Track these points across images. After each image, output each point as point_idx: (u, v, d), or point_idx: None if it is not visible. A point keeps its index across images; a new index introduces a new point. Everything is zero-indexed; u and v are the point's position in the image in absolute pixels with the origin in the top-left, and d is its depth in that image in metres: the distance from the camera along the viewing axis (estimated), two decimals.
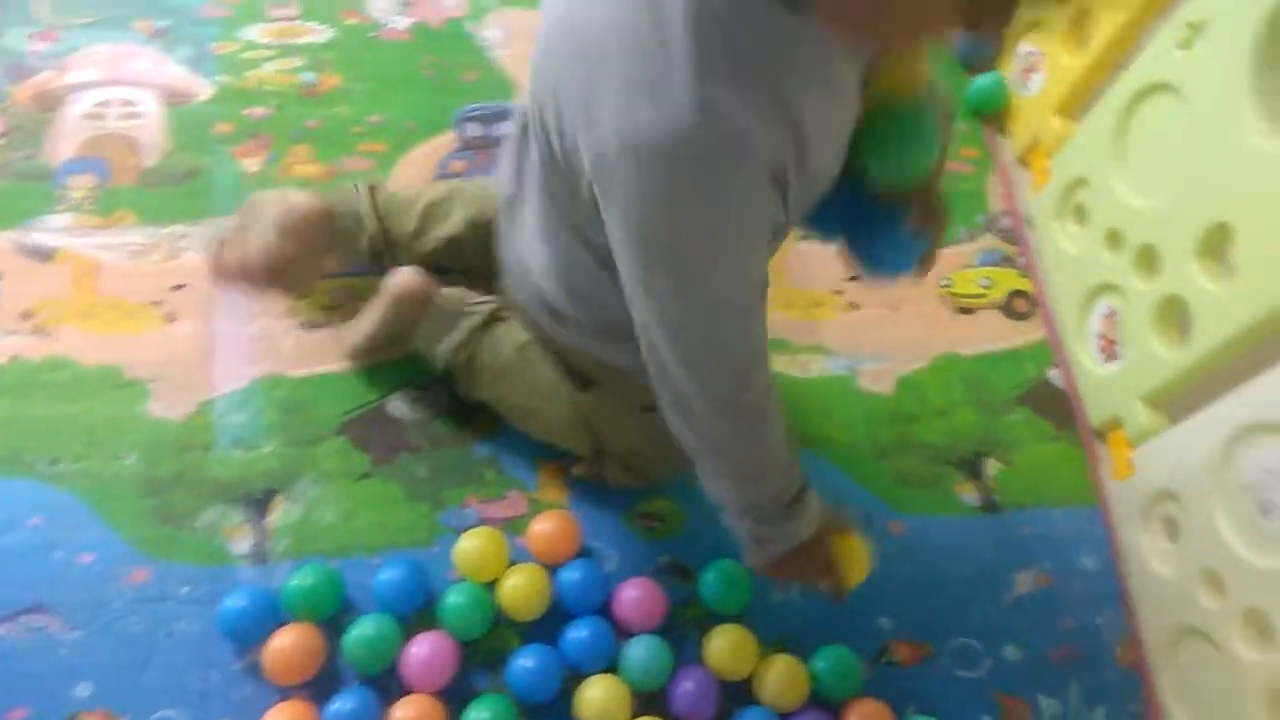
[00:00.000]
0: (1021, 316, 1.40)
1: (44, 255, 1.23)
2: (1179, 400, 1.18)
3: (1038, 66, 1.47)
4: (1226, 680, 1.06)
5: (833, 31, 0.64)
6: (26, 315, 1.19)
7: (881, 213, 0.82)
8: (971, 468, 1.28)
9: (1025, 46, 1.50)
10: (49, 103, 1.33)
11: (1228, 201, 1.08)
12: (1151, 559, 1.19)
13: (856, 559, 0.99)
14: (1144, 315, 1.21)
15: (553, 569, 1.11)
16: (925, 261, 0.93)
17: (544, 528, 1.12)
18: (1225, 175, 1.08)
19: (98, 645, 1.04)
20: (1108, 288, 1.29)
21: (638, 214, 0.68)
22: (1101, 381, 1.31)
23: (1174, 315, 1.17)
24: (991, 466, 1.29)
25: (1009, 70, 1.54)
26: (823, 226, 0.86)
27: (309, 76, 1.41)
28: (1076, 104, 1.38)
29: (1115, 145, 1.27)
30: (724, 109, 0.61)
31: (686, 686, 1.07)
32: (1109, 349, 1.30)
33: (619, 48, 0.64)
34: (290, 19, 1.45)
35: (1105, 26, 1.30)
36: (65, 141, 1.31)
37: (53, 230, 1.25)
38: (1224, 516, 1.07)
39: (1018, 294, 1.42)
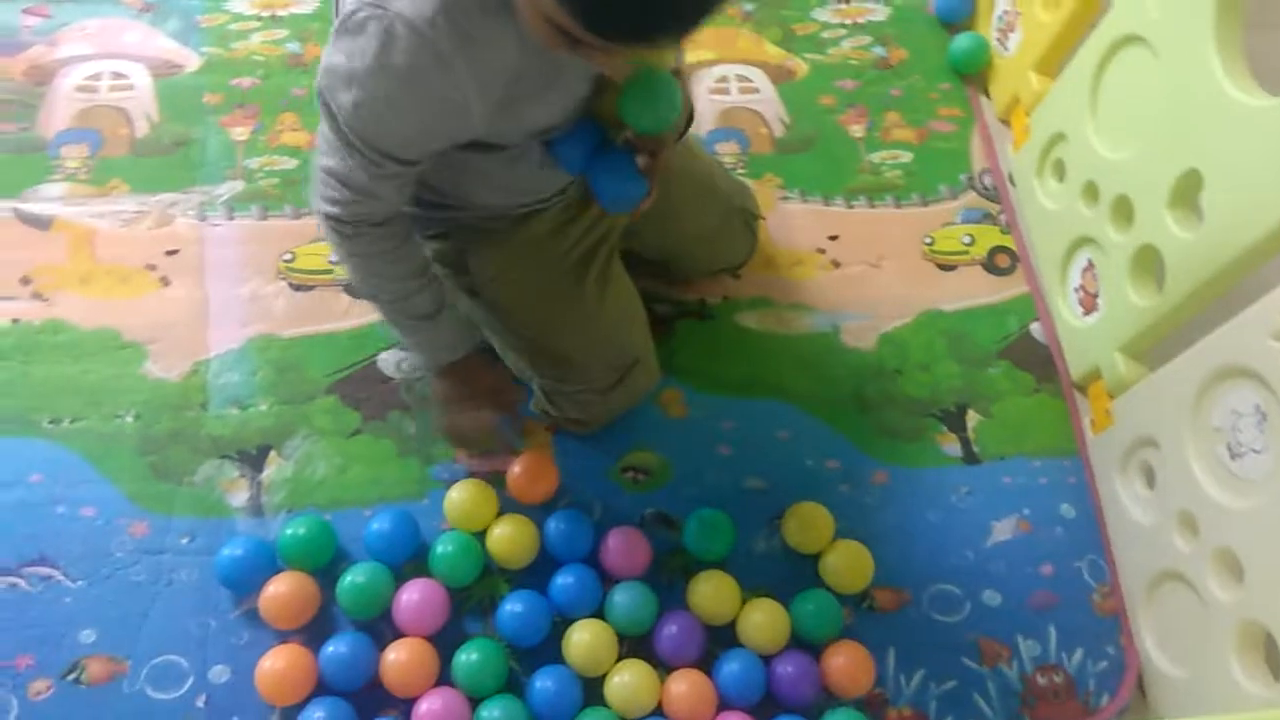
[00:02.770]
0: (1003, 272, 1.43)
1: (41, 223, 1.26)
2: (1155, 349, 1.21)
3: (1015, 25, 1.48)
4: (1201, 621, 1.08)
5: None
6: (25, 281, 1.23)
7: (617, 155, 0.96)
8: (953, 420, 1.31)
9: (1002, 4, 1.52)
10: (41, 76, 1.36)
11: (1197, 149, 1.10)
12: (1130, 506, 1.21)
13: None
14: (1120, 266, 1.23)
15: (539, 518, 1.14)
16: (642, 201, 1.02)
17: (521, 469, 1.15)
18: (1194, 123, 1.10)
19: (100, 595, 1.08)
20: (1086, 241, 1.31)
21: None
22: (1081, 334, 1.33)
23: (1148, 265, 1.19)
24: (972, 418, 1.31)
25: (987, 30, 1.56)
26: (568, 163, 0.97)
27: (294, 46, 1.43)
28: (1053, 61, 1.40)
29: (1090, 99, 1.29)
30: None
31: (671, 630, 1.10)
32: (1089, 302, 1.32)
33: None
34: None
35: None
36: (58, 113, 1.33)
37: (49, 199, 1.28)
38: (1197, 460, 1.09)
39: (999, 250, 1.44)
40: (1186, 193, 1.12)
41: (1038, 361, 1.36)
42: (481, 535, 1.13)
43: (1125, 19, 1.22)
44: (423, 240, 1.09)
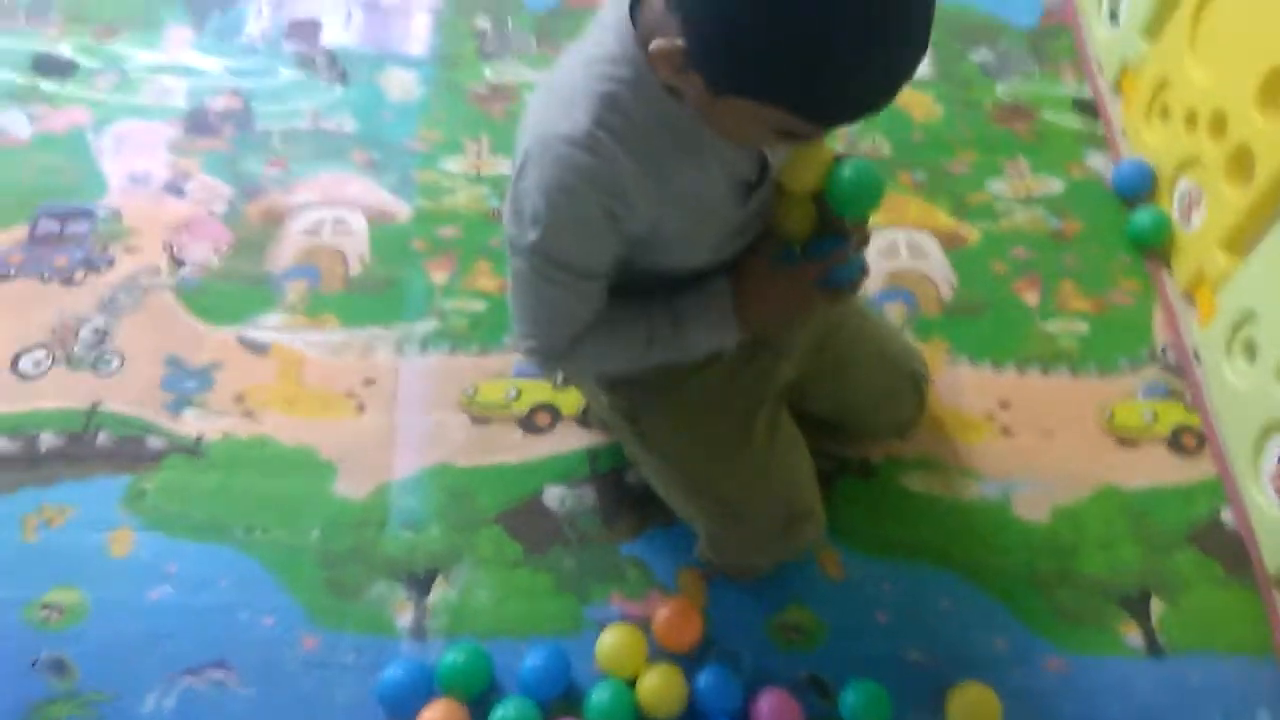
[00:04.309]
0: (1189, 453, 1.35)
1: (260, 349, 1.40)
2: None
3: (1199, 202, 1.46)
4: None
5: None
6: (239, 399, 1.35)
7: (831, 240, 0.98)
8: (1135, 606, 1.23)
9: (1185, 182, 1.50)
10: (275, 219, 1.53)
11: None
12: None
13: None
14: None
15: (689, 668, 1.13)
16: (859, 279, 1.03)
17: (665, 614, 1.16)
18: None
19: (268, 704, 1.12)
20: None
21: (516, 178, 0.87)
22: (1278, 524, 1.23)
23: None
24: (1157, 606, 1.23)
25: (1169, 205, 1.54)
26: (785, 255, 0.99)
27: (494, 201, 1.56)
28: (1242, 239, 1.36)
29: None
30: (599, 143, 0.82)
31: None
32: None
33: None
34: (481, 152, 1.62)
35: (1268, 161, 1.29)
36: (286, 252, 1.49)
37: (268, 328, 1.42)
38: None
39: (1184, 429, 1.37)
40: None
41: (1229, 550, 1.27)
42: (633, 681, 1.12)
43: None
44: (598, 388, 1.15)
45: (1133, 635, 1.20)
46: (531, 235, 0.87)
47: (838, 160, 0.90)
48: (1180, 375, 1.43)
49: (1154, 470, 1.34)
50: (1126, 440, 1.36)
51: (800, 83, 0.70)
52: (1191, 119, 1.48)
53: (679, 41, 0.74)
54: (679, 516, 1.21)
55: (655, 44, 0.76)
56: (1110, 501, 1.31)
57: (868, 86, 0.72)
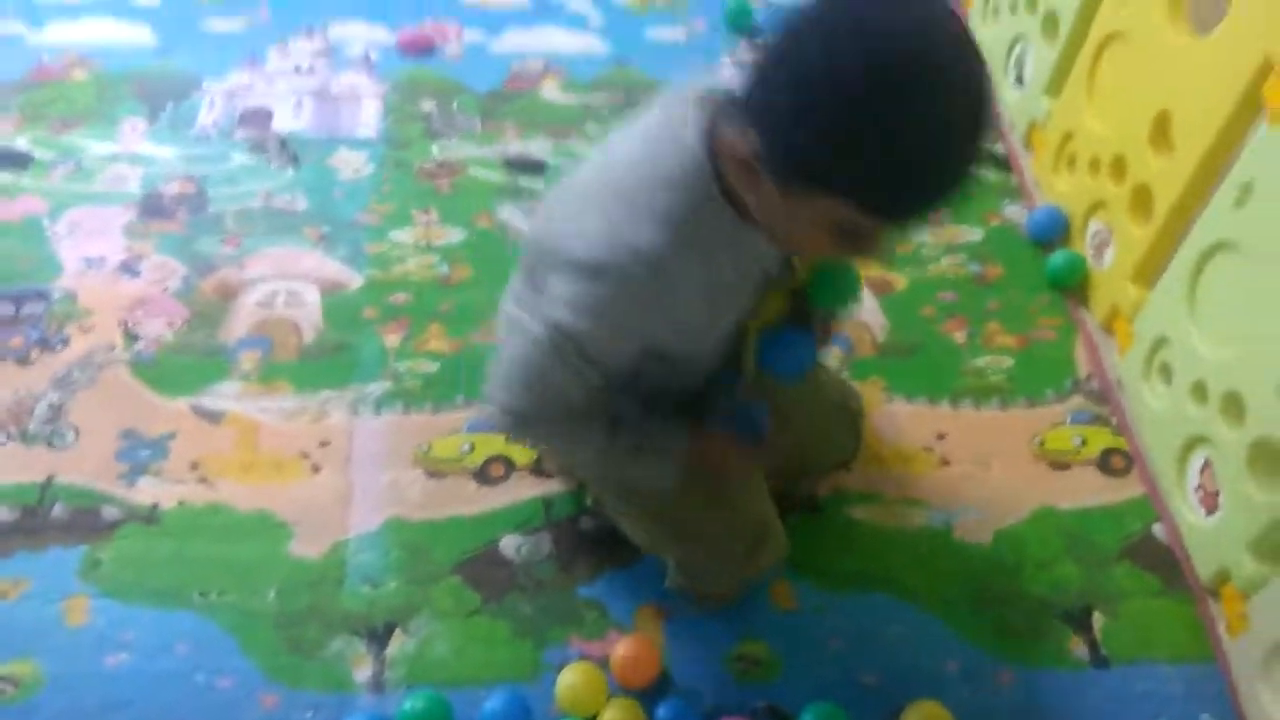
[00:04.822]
0: (1118, 473, 1.42)
1: (214, 417, 1.42)
2: None
3: (1109, 241, 1.56)
4: None
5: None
6: (194, 466, 1.36)
7: (796, 334, 1.07)
8: (1077, 621, 1.27)
9: (1095, 224, 1.60)
10: (229, 293, 1.57)
11: None
12: (1276, 713, 1.13)
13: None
14: (1238, 463, 1.22)
15: (647, 703, 1.14)
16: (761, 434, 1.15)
17: (624, 651, 1.17)
18: None
19: None
20: (1201, 440, 1.31)
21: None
22: (1206, 534, 1.29)
23: (1266, 459, 1.18)
24: (1098, 619, 1.27)
25: (1081, 247, 1.64)
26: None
27: (444, 269, 1.62)
28: (1148, 271, 1.46)
29: (1188, 305, 1.33)
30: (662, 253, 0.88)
31: None
32: (1209, 501, 1.29)
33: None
34: (430, 223, 1.69)
35: (1165, 197, 1.40)
36: (239, 324, 1.53)
37: (223, 397, 1.44)
38: None
39: (1112, 451, 1.44)
40: None
41: (1163, 563, 1.32)
42: (592, 719, 1.14)
43: (1214, 228, 1.28)
44: None
45: (1078, 648, 1.24)
46: (571, 319, 0.90)
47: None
48: (1104, 402, 1.50)
49: (1086, 491, 1.40)
50: (1058, 464, 1.43)
51: (888, 184, 0.76)
52: (1095, 165, 1.60)
53: (755, 148, 0.79)
54: (644, 552, 1.24)
55: (730, 151, 0.83)
56: (1047, 523, 1.36)
57: (943, 190, 0.78)
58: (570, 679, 1.15)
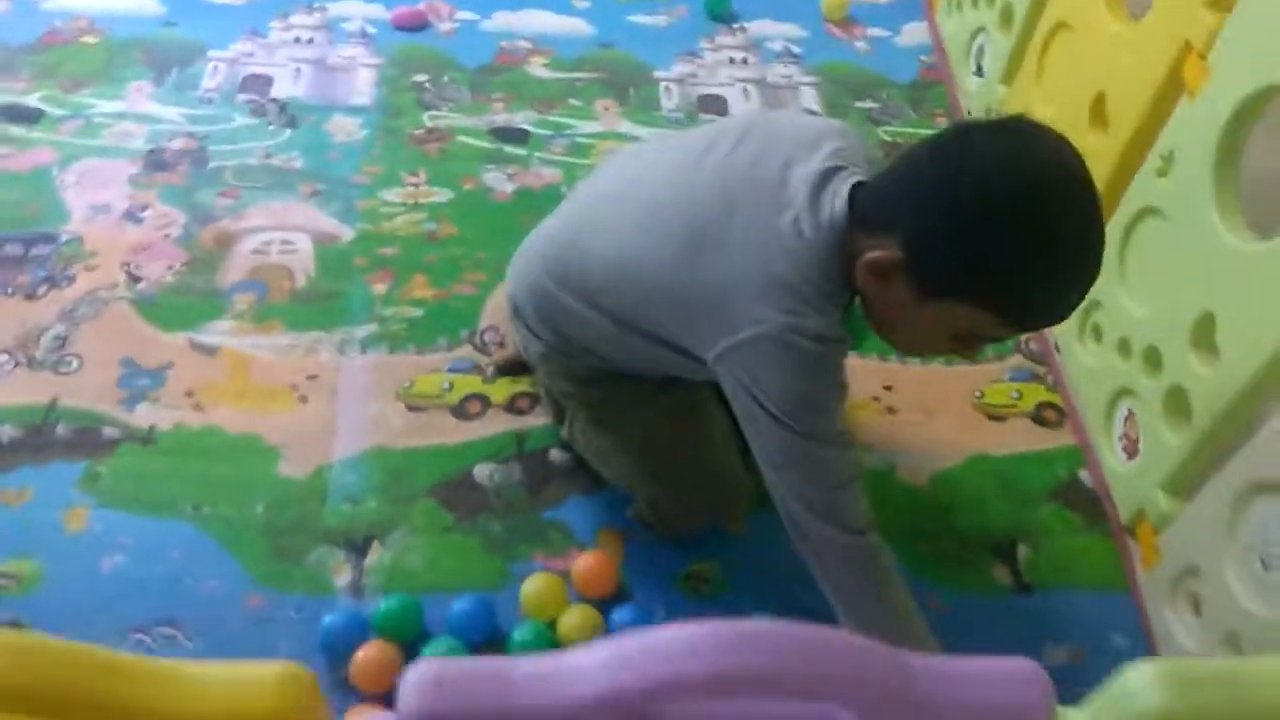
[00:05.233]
0: (1050, 425, 1.53)
1: (209, 351, 1.52)
2: (1191, 481, 1.28)
3: None
4: None
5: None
6: (189, 394, 1.46)
7: None
8: (1004, 552, 1.38)
9: None
10: (226, 241, 1.67)
11: (1208, 294, 1.23)
12: (1181, 635, 1.24)
13: None
14: (1155, 410, 1.33)
15: (605, 609, 1.24)
16: None
17: (584, 563, 1.28)
18: (1203, 272, 1.24)
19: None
20: (1126, 392, 1.42)
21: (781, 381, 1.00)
22: (1126, 478, 1.40)
23: (1178, 404, 1.29)
24: (1023, 552, 1.38)
25: None
26: None
27: (431, 225, 1.72)
28: None
29: (1119, 267, 1.44)
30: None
31: None
32: (1131, 448, 1.40)
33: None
34: (419, 184, 1.79)
35: (1100, 171, 1.51)
36: (235, 269, 1.63)
37: (218, 333, 1.54)
38: (1236, 580, 1.14)
39: (1046, 405, 1.55)
40: (1203, 334, 1.24)
41: (1087, 505, 1.43)
42: (554, 624, 1.23)
43: (1140, 196, 1.40)
44: (567, 379, 1.30)
45: (1003, 576, 1.35)
46: (796, 423, 1.00)
47: None
48: (1042, 362, 1.61)
49: (1020, 440, 1.51)
50: (995, 416, 1.54)
51: (1023, 298, 0.91)
52: None
53: (898, 254, 0.92)
54: (609, 482, 1.35)
55: (873, 255, 0.95)
56: (981, 467, 1.47)
57: (1069, 304, 0.95)
58: (534, 586, 1.25)
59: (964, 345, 1.01)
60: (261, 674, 0.56)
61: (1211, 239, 1.23)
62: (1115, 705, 0.61)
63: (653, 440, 1.27)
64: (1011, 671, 0.60)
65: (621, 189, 1.16)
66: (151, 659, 0.55)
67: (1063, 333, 1.60)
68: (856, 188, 1.01)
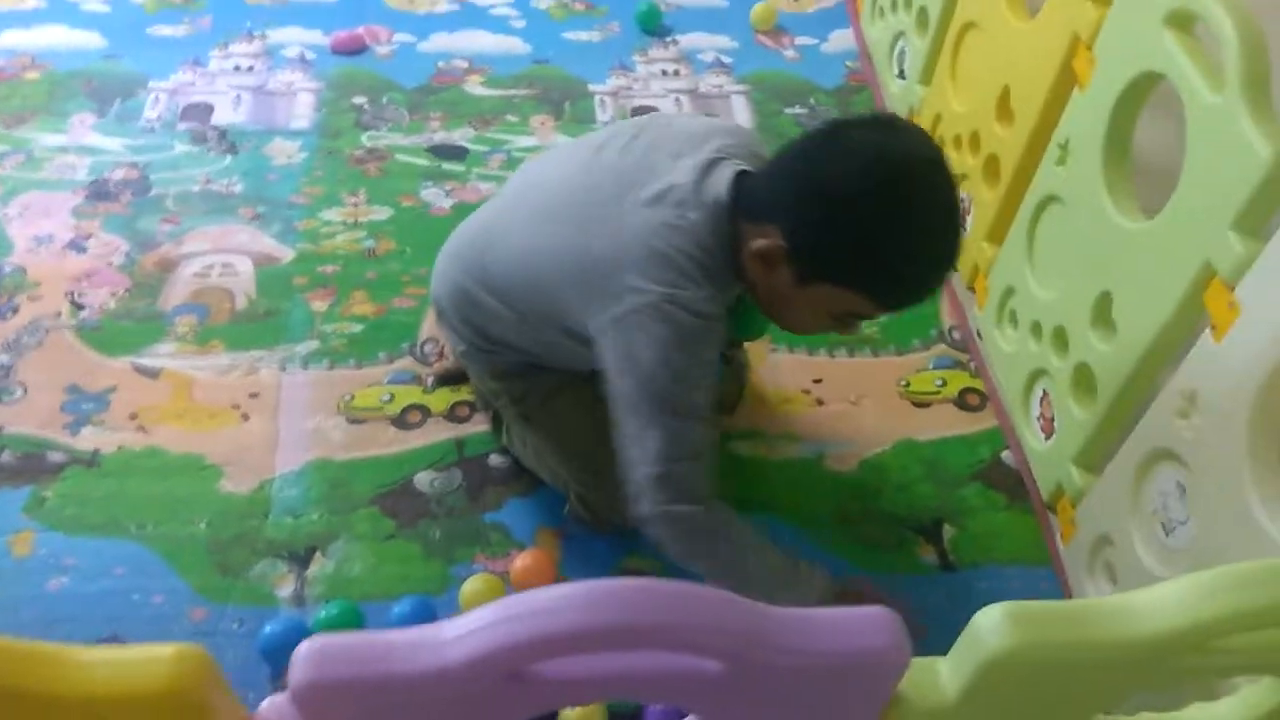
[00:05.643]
0: (973, 409, 1.58)
1: (151, 373, 1.55)
2: (1101, 454, 1.33)
3: (969, 209, 1.74)
4: None
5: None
6: (133, 416, 1.49)
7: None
8: (929, 532, 1.42)
9: (960, 196, 1.78)
10: (168, 266, 1.70)
11: (1104, 273, 1.29)
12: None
13: None
14: (1064, 388, 1.39)
15: None
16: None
17: (522, 562, 1.32)
18: (1099, 252, 1.30)
19: None
20: (1040, 374, 1.48)
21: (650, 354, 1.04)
22: (1044, 456, 1.46)
23: (1084, 381, 1.35)
24: (948, 531, 1.43)
25: None
26: None
27: (370, 243, 1.76)
28: (999, 230, 1.63)
29: (1028, 254, 1.50)
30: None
31: (657, 708, 1.19)
32: (1048, 427, 1.46)
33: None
34: (358, 203, 1.83)
35: (1009, 164, 1.57)
36: (177, 293, 1.66)
37: (160, 356, 1.57)
38: (1142, 545, 1.20)
39: (969, 390, 1.61)
40: (1102, 312, 1.30)
41: (1008, 484, 1.49)
42: None
43: (1043, 185, 1.46)
44: (491, 376, 1.34)
45: (928, 555, 1.40)
46: (662, 380, 1.04)
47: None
48: (965, 350, 1.67)
49: (944, 425, 1.56)
50: (920, 403, 1.59)
51: (893, 279, 1.00)
52: (958, 142, 1.77)
53: (780, 242, 0.99)
54: (548, 483, 1.38)
55: (758, 244, 1.02)
56: (908, 452, 1.52)
57: (935, 282, 1.04)
58: (472, 586, 1.29)
59: (843, 324, 1.10)
60: (156, 655, 0.60)
61: (1104, 221, 1.29)
62: (970, 647, 0.65)
63: (575, 430, 1.31)
64: (867, 619, 0.64)
65: (525, 187, 1.24)
66: (46, 644, 0.57)
67: (984, 321, 1.66)
68: (741, 176, 1.07)
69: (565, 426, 1.32)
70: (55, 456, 1.43)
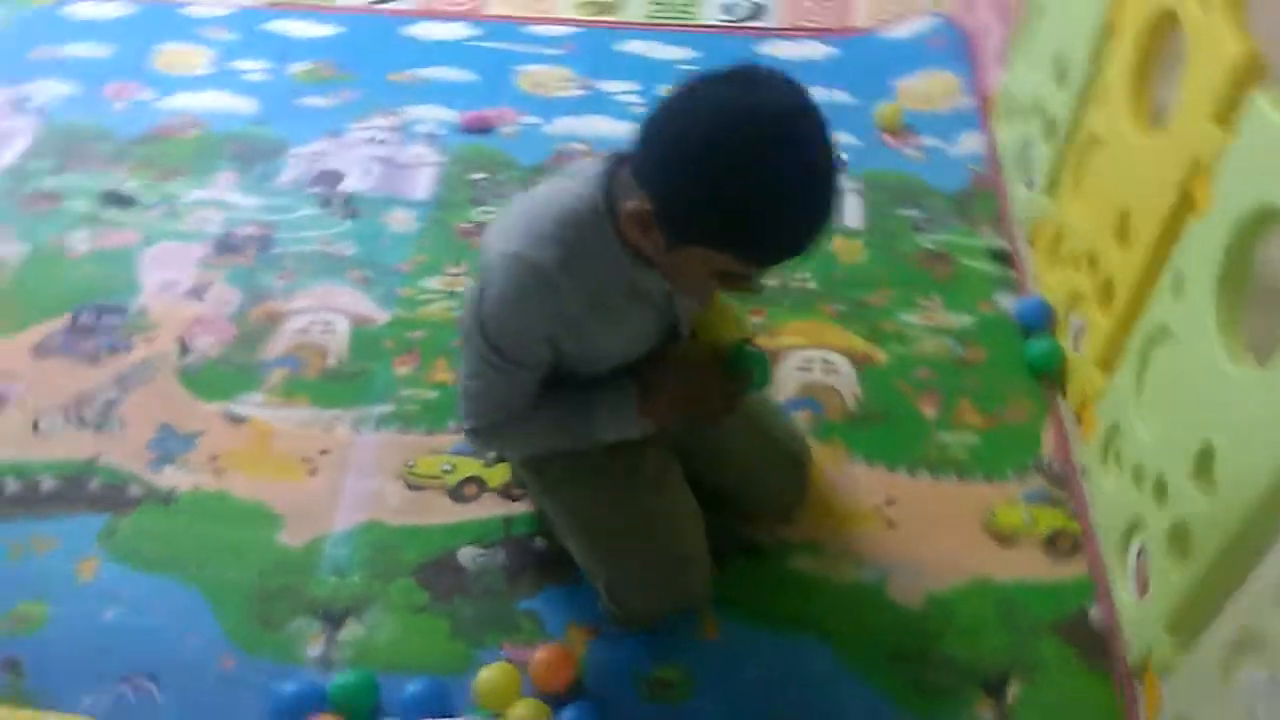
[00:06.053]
0: (1063, 553, 1.44)
1: (239, 420, 1.62)
2: (1192, 626, 1.18)
3: (1084, 332, 1.61)
4: None
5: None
6: (212, 459, 1.56)
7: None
8: (993, 687, 1.29)
9: (1075, 317, 1.65)
10: (274, 319, 1.79)
11: (1208, 422, 1.16)
12: None
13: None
14: (1160, 543, 1.24)
15: (556, 706, 1.23)
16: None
17: (541, 656, 1.27)
18: (1204, 399, 1.17)
19: (180, 710, 1.26)
20: (1139, 523, 1.33)
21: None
22: (1136, 618, 1.30)
23: (1179, 539, 1.20)
24: (1014, 688, 1.29)
25: (1065, 336, 1.69)
26: None
27: (459, 311, 1.79)
28: (1111, 358, 1.50)
29: (1136, 389, 1.37)
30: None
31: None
32: (1143, 585, 1.31)
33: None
34: (459, 273, 1.88)
35: (1123, 287, 1.45)
36: (278, 345, 1.74)
37: (249, 405, 1.64)
38: None
39: (1061, 532, 1.46)
40: (1204, 464, 1.16)
41: (1091, 644, 1.33)
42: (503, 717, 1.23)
43: (1157, 314, 1.33)
44: (518, 461, 1.35)
45: (985, 713, 1.26)
46: (483, 326, 1.09)
47: (746, 347, 1.23)
48: (1063, 486, 1.52)
49: (1028, 566, 1.42)
50: (1004, 539, 1.46)
51: (747, 237, 0.96)
52: (1077, 260, 1.66)
53: (647, 206, 0.98)
54: (582, 572, 1.34)
55: (627, 207, 1.01)
56: (982, 592, 1.39)
57: (795, 240, 0.98)
58: (488, 675, 1.25)
59: (731, 284, 1.05)
60: None
61: (1212, 364, 1.16)
62: None
63: (597, 515, 1.27)
64: None
65: None
66: None
67: (1090, 456, 1.52)
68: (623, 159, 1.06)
69: (581, 503, 1.29)
70: (134, 490, 1.51)
